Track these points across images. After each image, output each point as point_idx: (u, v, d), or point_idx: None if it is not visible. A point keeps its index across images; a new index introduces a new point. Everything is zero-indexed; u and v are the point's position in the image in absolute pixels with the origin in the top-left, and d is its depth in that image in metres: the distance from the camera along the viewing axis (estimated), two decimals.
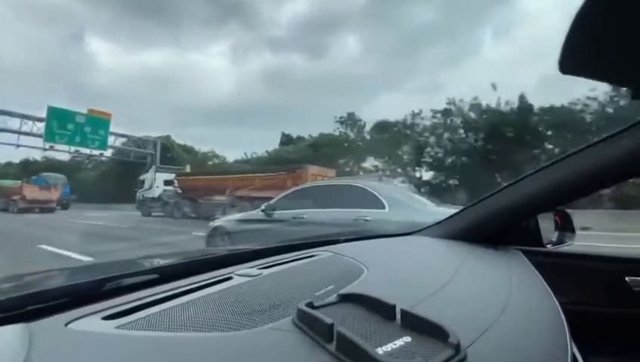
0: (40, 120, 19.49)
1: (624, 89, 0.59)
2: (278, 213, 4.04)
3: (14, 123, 19.54)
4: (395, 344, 0.34)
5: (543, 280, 0.69)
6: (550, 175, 0.89)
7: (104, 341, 0.38)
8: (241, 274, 0.60)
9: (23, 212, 17.16)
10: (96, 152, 21.78)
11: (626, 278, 0.87)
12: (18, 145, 19.94)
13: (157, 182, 16.24)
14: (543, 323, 0.50)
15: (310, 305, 0.41)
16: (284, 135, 26.86)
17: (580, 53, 0.42)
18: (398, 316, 0.39)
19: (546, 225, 1.06)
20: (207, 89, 46.90)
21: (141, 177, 17.62)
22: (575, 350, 0.49)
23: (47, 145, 19.53)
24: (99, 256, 4.89)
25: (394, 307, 0.40)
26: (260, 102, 41.46)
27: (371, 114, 36.97)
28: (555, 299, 0.59)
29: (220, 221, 4.70)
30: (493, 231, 0.98)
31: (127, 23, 46.02)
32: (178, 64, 46.52)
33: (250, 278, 0.58)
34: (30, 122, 19.73)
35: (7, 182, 20.16)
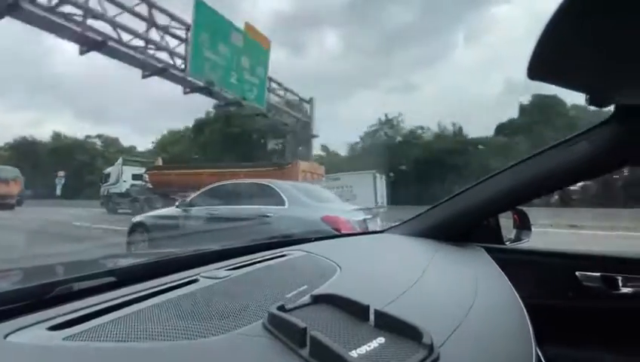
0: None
1: (586, 96, 0.62)
2: (193, 210, 4.25)
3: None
4: (369, 346, 0.34)
5: (504, 276, 0.72)
6: (510, 176, 0.95)
7: (49, 354, 0.34)
8: (207, 277, 0.57)
9: None
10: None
11: (577, 273, 0.94)
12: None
13: (124, 175, 14.82)
14: (508, 318, 0.52)
15: (282, 307, 0.40)
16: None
17: (547, 61, 0.43)
18: (372, 316, 0.39)
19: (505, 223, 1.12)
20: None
21: (106, 170, 16.08)
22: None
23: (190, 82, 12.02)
24: (45, 257, 4.22)
25: (367, 307, 0.40)
26: None
27: (347, 110, 37.22)
28: (516, 294, 0.62)
29: (139, 217, 4.91)
30: (458, 229, 1.03)
31: None
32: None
33: (217, 280, 0.55)
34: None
35: None
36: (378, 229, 3.65)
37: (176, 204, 4.64)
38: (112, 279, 0.53)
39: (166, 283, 0.53)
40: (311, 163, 12.91)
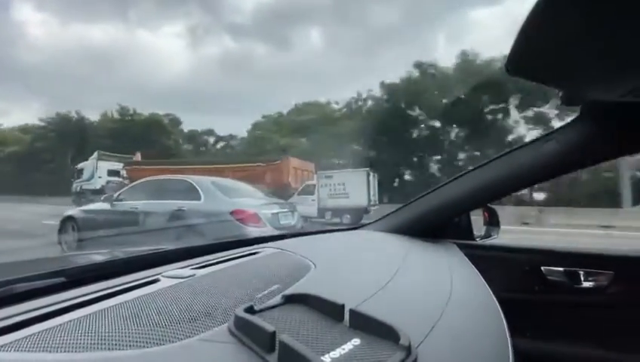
0: None
1: (558, 93, 0.65)
2: (120, 204, 4.49)
3: None
4: (343, 349, 0.32)
5: (477, 271, 0.73)
6: (481, 175, 0.97)
7: None
8: (169, 276, 0.52)
9: None
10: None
11: (542, 268, 0.97)
12: None
13: (99, 171, 13.82)
14: (483, 313, 0.52)
15: (250, 309, 0.37)
16: None
17: (525, 58, 0.45)
18: (347, 316, 0.37)
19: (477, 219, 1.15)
20: (156, 71, 42.43)
21: (79, 165, 14.93)
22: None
23: None
24: None
25: (342, 307, 0.38)
26: (216, 89, 39.48)
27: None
28: (489, 289, 0.62)
29: (70, 211, 5.08)
30: (431, 225, 1.04)
31: None
32: (124, 41, 41.27)
33: (180, 280, 0.51)
34: None
35: None
36: (293, 223, 3.85)
37: (102, 198, 5.04)
38: (60, 279, 0.48)
39: (123, 284, 0.49)
40: (301, 160, 12.59)
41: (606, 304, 0.92)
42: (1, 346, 0.32)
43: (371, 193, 11.19)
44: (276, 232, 3.90)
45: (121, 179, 12.93)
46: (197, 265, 0.60)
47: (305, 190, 11.41)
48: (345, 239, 1.05)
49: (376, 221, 1.15)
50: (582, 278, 0.94)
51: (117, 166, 13.95)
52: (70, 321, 0.37)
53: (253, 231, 3.59)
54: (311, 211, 10.91)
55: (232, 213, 3.72)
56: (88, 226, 4.56)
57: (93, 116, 28.42)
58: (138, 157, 16.01)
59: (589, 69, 0.48)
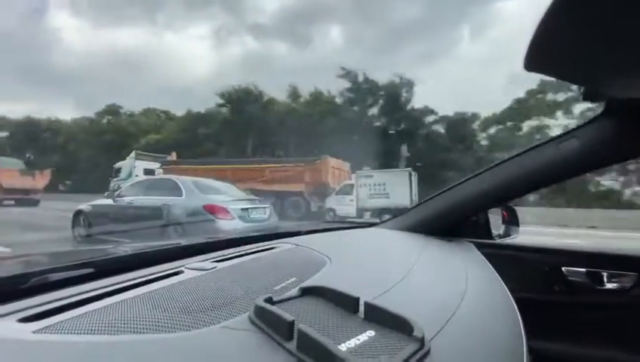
0: None
1: (580, 89, 0.63)
2: (120, 200, 5.29)
3: None
4: (358, 339, 0.33)
5: (494, 270, 0.73)
6: (500, 173, 0.95)
7: (16, 348, 0.32)
8: (193, 268, 0.55)
9: None
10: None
11: (563, 269, 0.95)
12: None
13: (137, 170, 13.73)
14: (499, 311, 0.52)
15: (269, 300, 0.38)
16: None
17: (544, 53, 0.44)
18: (362, 308, 0.38)
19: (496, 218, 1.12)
20: (182, 73, 43.71)
21: (117, 165, 14.94)
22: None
23: None
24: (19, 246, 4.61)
25: (357, 299, 0.39)
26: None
27: None
28: (506, 288, 0.62)
29: (82, 205, 5.91)
30: (447, 224, 1.03)
31: None
32: (153, 44, 42.95)
33: (203, 272, 0.53)
34: None
35: None
36: (264, 217, 4.37)
37: (106, 194, 5.97)
38: (90, 270, 0.51)
39: (149, 275, 0.51)
40: (338, 160, 12.41)
41: (629, 305, 0.89)
42: (37, 330, 0.35)
43: (413, 193, 10.96)
44: (243, 225, 4.39)
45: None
46: (218, 258, 0.62)
47: (343, 190, 11.41)
48: (360, 236, 1.06)
49: (392, 219, 1.15)
50: (605, 279, 0.91)
51: (153, 165, 14.22)
52: (102, 308, 0.39)
53: (222, 223, 4.29)
54: (349, 211, 10.99)
55: (204, 207, 4.41)
56: (95, 218, 5.50)
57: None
58: (173, 156, 16.22)
59: (613, 64, 0.46)
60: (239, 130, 25.53)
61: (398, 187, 10.85)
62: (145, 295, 0.43)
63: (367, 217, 10.70)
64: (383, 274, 0.59)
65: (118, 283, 0.47)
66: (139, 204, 5.02)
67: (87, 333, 0.34)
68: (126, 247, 0.71)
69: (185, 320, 0.37)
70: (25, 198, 14.28)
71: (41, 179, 15.65)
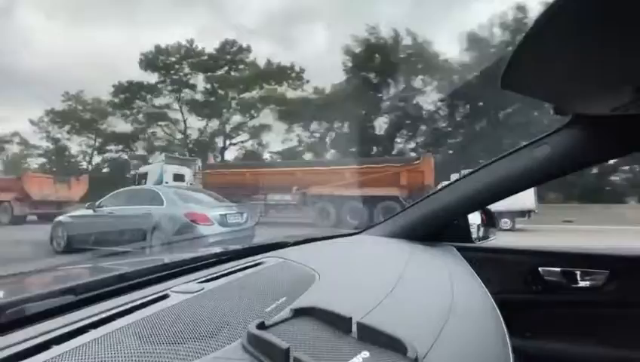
0: None
1: (551, 105, 0.70)
2: (101, 210, 5.46)
3: None
4: None
5: (475, 274, 0.76)
6: (479, 178, 1.00)
7: None
8: (178, 291, 0.53)
9: (21, 221, 10.50)
10: None
11: (540, 269, 1.00)
12: None
13: (166, 176, 11.36)
14: (483, 317, 0.54)
15: (261, 325, 0.38)
16: None
17: (518, 74, 0.49)
18: (354, 328, 0.38)
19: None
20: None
21: (141, 169, 12.50)
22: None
23: None
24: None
25: (350, 319, 0.39)
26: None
27: None
28: (488, 292, 0.65)
29: (60, 217, 6.13)
30: (431, 229, 1.07)
31: None
32: (131, 46, 41.30)
33: (189, 295, 0.51)
34: None
35: None
36: (242, 222, 4.90)
37: (86, 205, 6.07)
38: (72, 298, 0.47)
39: (133, 301, 0.49)
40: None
41: (602, 302, 0.95)
42: None
43: (535, 194, 9.83)
44: (222, 230, 4.65)
45: (188, 185, 11.22)
46: (204, 278, 0.60)
47: None
48: (347, 245, 1.07)
49: (377, 225, 1.18)
50: (578, 278, 0.96)
51: (182, 170, 12.16)
52: (86, 343, 0.37)
53: (203, 228, 4.57)
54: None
55: (185, 214, 4.73)
56: (75, 229, 5.54)
57: None
58: (210, 160, 14.56)
59: (578, 86, 0.52)
60: None
61: None
62: (131, 325, 0.41)
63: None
64: (372, 287, 0.60)
65: (101, 312, 0.45)
66: (121, 214, 5.18)
67: None
68: (108, 266, 0.67)
69: (174, 352, 0.36)
70: (57, 213, 11.13)
71: (78, 188, 12.76)
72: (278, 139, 27.23)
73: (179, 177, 11.81)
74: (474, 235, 1.13)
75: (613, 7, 0.34)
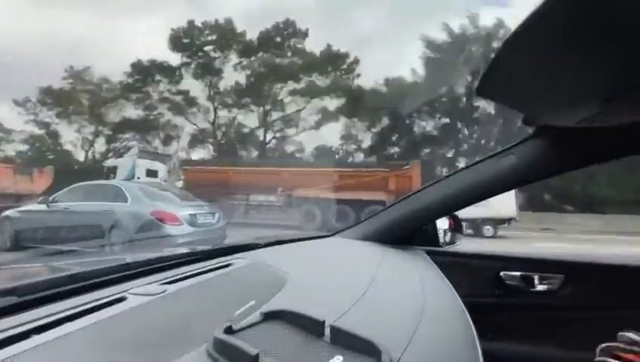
0: None
1: (521, 115, 0.73)
2: (55, 205, 4.99)
3: None
4: None
5: (445, 278, 0.78)
6: (447, 185, 1.03)
7: None
8: (137, 293, 0.48)
9: None
10: None
11: (501, 273, 1.04)
12: None
13: (138, 171, 10.83)
14: (453, 320, 0.55)
15: (229, 329, 0.36)
16: None
17: (493, 84, 0.51)
18: (327, 331, 0.37)
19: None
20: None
21: (110, 162, 11.88)
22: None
23: None
24: None
25: (323, 323, 0.38)
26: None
27: None
28: (457, 295, 0.66)
29: (8, 211, 5.58)
30: (401, 233, 1.09)
31: None
32: (99, 32, 36.89)
33: (149, 298, 0.47)
34: None
35: None
36: (213, 222, 4.65)
37: (39, 200, 5.52)
38: (14, 299, 0.43)
39: (86, 303, 0.44)
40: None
41: (557, 305, 1.00)
42: None
43: (516, 202, 9.98)
44: (191, 230, 4.36)
45: (158, 180, 10.46)
46: (167, 280, 0.56)
47: None
48: (318, 248, 1.06)
49: (349, 228, 1.18)
50: (536, 282, 1.01)
51: (156, 165, 11.49)
52: (27, 350, 0.33)
53: (171, 228, 4.26)
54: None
55: (152, 213, 4.37)
56: (24, 225, 5.07)
57: None
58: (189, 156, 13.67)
59: (550, 98, 0.56)
60: None
61: (500, 197, 9.94)
62: (83, 330, 0.37)
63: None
64: (344, 290, 0.59)
65: (49, 316, 0.40)
66: (78, 210, 4.74)
67: None
68: (59, 266, 0.62)
69: (130, 360, 0.33)
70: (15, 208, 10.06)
71: (40, 181, 11.63)
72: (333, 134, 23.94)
73: (152, 173, 11.17)
74: (441, 240, 1.16)
75: (585, 23, 0.36)
